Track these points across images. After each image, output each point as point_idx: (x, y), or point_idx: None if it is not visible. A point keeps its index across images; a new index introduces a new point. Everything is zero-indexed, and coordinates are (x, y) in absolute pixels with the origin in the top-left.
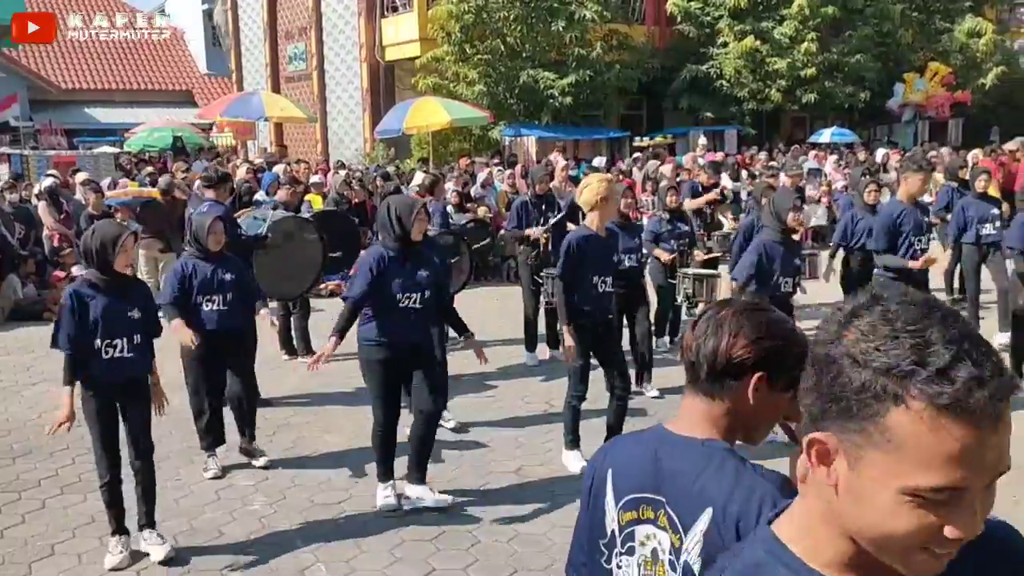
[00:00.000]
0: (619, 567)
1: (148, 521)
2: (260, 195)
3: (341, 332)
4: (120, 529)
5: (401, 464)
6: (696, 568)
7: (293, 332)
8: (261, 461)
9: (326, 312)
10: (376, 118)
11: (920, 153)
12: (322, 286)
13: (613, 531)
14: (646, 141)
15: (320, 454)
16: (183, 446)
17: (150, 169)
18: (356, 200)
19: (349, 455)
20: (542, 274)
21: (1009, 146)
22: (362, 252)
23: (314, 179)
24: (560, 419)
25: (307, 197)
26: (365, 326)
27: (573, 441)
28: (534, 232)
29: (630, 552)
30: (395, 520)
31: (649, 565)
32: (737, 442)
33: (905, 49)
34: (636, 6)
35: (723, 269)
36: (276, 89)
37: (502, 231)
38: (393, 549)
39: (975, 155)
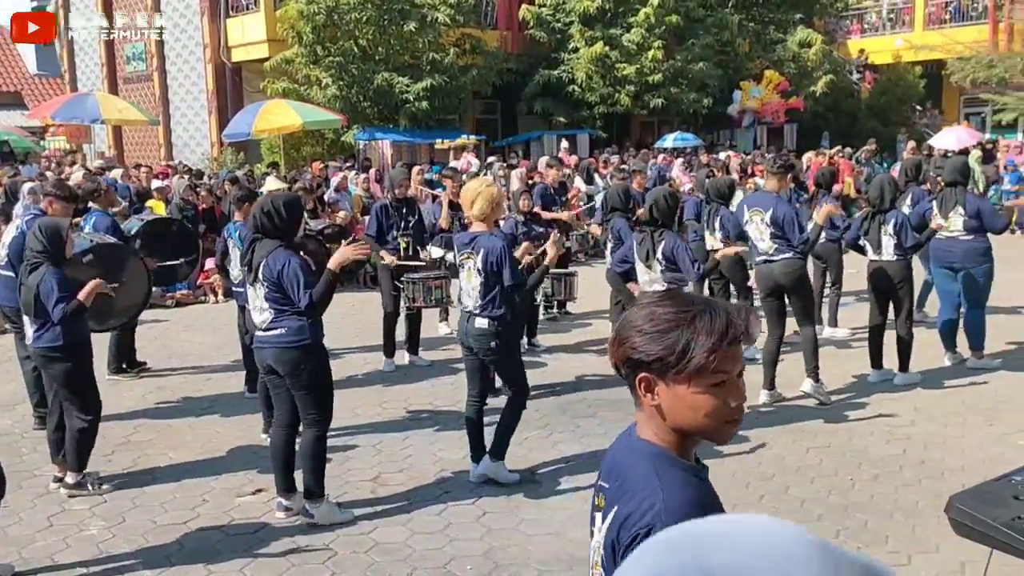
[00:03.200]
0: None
1: None
2: None
3: None
4: None
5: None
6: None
7: (115, 348)
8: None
9: (170, 323)
10: (223, 121)
11: (779, 156)
12: (167, 297)
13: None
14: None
15: (164, 473)
16: (9, 470)
17: None
18: (203, 206)
19: (195, 471)
20: (403, 278)
21: (833, 150)
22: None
23: (156, 184)
24: (418, 424)
25: (148, 203)
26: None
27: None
28: (390, 259)
29: (591, 536)
30: (246, 537)
31: (598, 552)
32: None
33: (743, 58)
34: (488, 11)
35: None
36: (114, 90)
37: (362, 236)
38: (244, 568)
39: (808, 158)
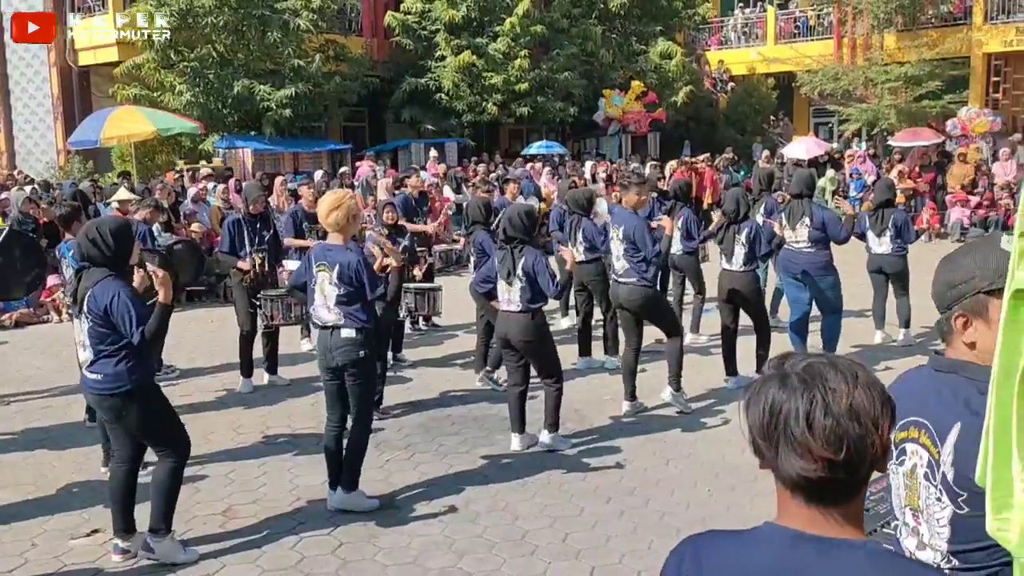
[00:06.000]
0: None
1: None
2: None
3: None
4: None
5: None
6: None
7: None
8: None
9: (8, 345)
10: (70, 128)
11: (636, 169)
12: (5, 316)
13: None
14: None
15: None
16: None
17: None
18: (44, 219)
19: (25, 511)
20: (259, 296)
21: (698, 158)
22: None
23: None
24: (275, 449)
25: None
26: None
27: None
28: (245, 265)
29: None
30: None
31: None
32: None
33: (607, 68)
34: (353, 17)
35: (440, 281)
36: None
37: (216, 251)
38: None
39: (671, 166)
